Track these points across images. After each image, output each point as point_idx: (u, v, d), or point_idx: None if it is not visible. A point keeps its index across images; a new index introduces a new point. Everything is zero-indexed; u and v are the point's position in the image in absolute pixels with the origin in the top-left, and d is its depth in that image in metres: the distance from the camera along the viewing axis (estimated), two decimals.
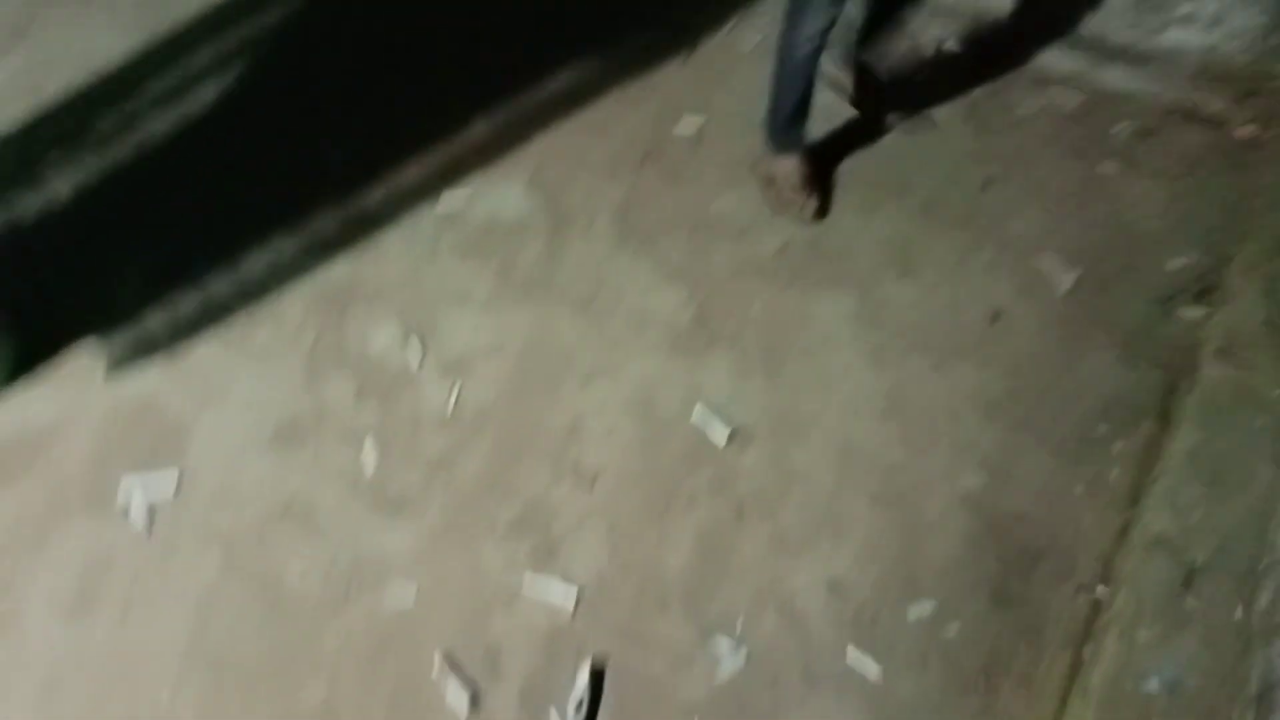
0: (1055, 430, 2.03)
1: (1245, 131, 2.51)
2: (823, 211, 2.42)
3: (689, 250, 2.39)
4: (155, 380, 2.27)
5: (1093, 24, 2.74)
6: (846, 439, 2.08)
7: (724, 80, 2.79)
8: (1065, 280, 2.26)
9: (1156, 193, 2.43)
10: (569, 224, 2.46)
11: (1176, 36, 2.64)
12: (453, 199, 2.51)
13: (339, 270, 2.39)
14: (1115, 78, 2.66)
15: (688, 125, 2.67)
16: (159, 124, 2.70)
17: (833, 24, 2.09)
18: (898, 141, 2.58)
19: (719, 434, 2.10)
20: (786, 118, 2.30)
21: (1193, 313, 2.17)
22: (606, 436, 2.12)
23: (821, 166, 2.48)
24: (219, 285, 2.40)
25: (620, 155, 2.60)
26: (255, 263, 2.43)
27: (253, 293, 2.38)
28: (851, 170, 2.54)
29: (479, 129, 2.67)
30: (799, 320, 2.25)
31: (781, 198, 2.42)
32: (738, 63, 2.84)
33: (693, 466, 2.08)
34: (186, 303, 2.37)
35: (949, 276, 2.30)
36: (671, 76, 2.81)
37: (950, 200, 2.45)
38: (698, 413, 2.15)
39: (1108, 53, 2.69)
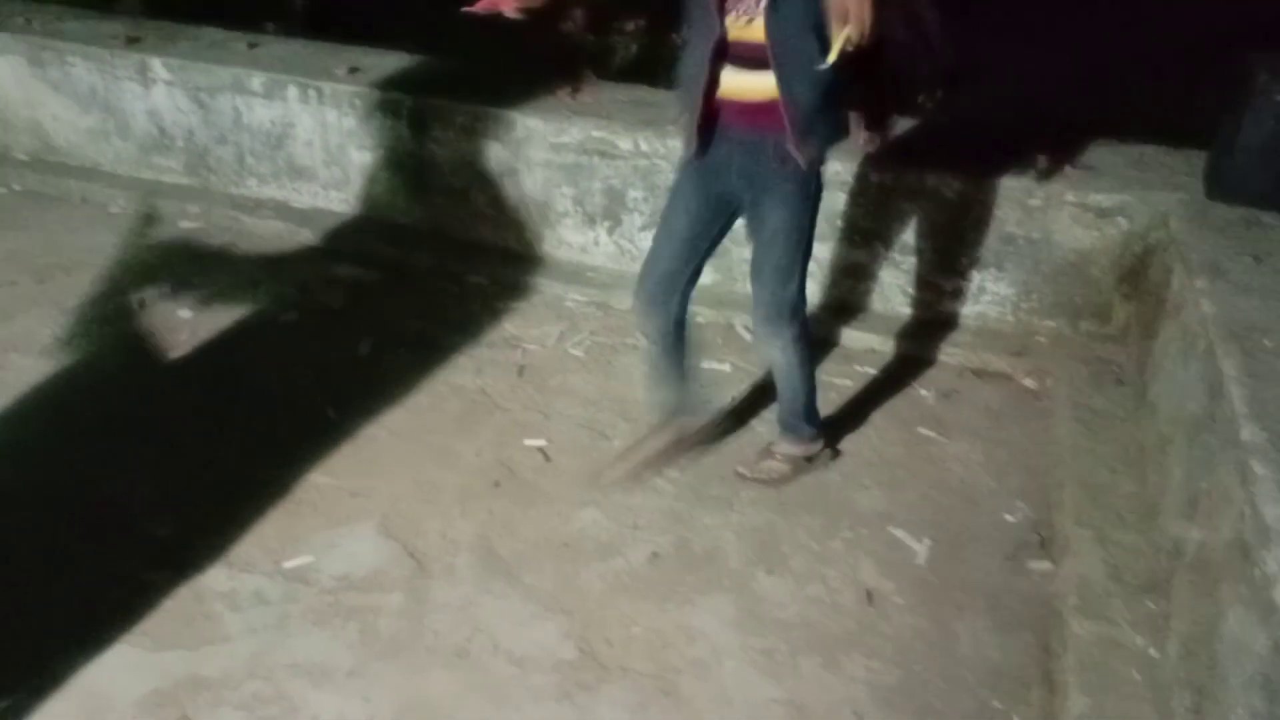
0: (955, 712, 2.04)
1: (1030, 383, 2.83)
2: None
3: (558, 576, 2.32)
4: None
5: (878, 301, 3.08)
6: None
7: (561, 391, 2.86)
8: (921, 550, 2.37)
9: (973, 451, 2.65)
10: (428, 568, 2.33)
11: (951, 307, 3.01)
12: (298, 560, 2.34)
13: (172, 667, 2.11)
14: (912, 345, 2.96)
15: (534, 442, 2.68)
16: None
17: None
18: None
19: None
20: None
21: (1041, 565, 2.32)
22: None
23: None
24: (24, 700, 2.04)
25: (470, 485, 2.55)
26: (65, 669, 2.10)
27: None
28: (702, 463, 2.61)
29: (317, 477, 2.55)
30: (684, 636, 2.19)
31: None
32: (571, 371, 2.94)
33: None
34: None
35: (816, 563, 2.35)
36: (509, 392, 2.85)
37: (799, 482, 2.56)
38: None
39: (897, 325, 3.01)
